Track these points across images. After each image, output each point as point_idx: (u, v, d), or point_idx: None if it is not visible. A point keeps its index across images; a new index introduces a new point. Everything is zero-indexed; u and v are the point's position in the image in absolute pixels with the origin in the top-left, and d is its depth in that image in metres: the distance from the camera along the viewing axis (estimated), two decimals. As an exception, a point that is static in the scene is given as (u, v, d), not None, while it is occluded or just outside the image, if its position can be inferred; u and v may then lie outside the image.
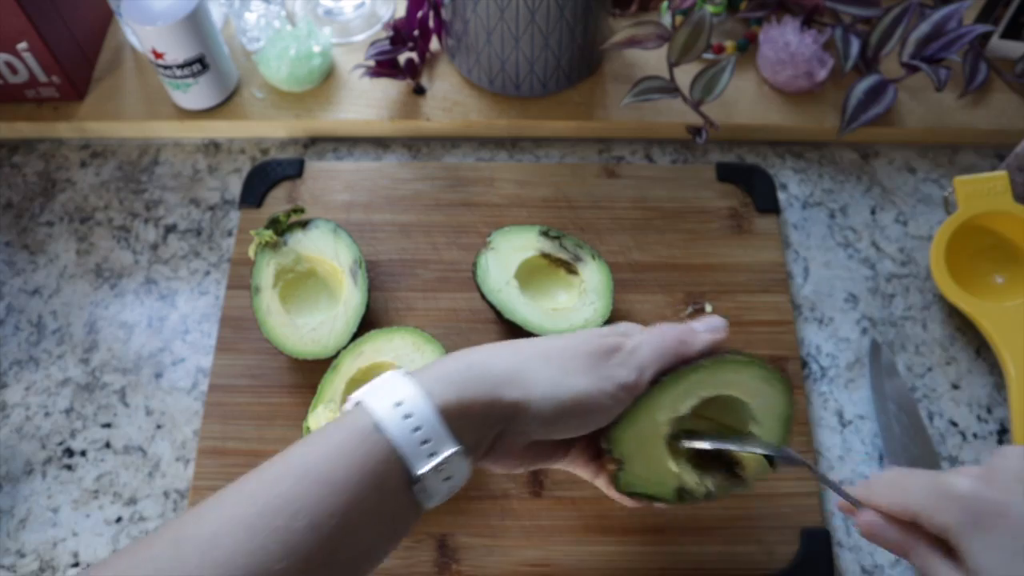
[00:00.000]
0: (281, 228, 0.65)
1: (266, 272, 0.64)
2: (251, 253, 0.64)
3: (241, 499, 0.38)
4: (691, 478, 0.49)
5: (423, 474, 0.40)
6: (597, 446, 0.48)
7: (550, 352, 0.45)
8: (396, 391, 0.41)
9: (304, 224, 0.65)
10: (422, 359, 0.59)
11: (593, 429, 0.46)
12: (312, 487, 0.38)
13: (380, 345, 0.60)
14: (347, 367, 0.59)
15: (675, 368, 0.47)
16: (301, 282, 0.65)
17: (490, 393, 0.42)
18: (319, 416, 0.57)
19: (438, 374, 0.42)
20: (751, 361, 0.48)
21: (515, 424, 0.43)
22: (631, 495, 0.49)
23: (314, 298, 0.65)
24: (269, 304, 0.63)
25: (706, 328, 0.49)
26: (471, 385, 0.42)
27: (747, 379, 0.48)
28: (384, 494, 0.39)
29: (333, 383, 0.59)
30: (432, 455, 0.40)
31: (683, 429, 0.49)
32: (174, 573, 0.35)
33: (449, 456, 0.40)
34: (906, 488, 0.41)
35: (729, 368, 0.48)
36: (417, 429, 0.40)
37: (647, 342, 0.47)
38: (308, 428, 0.57)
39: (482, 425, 0.42)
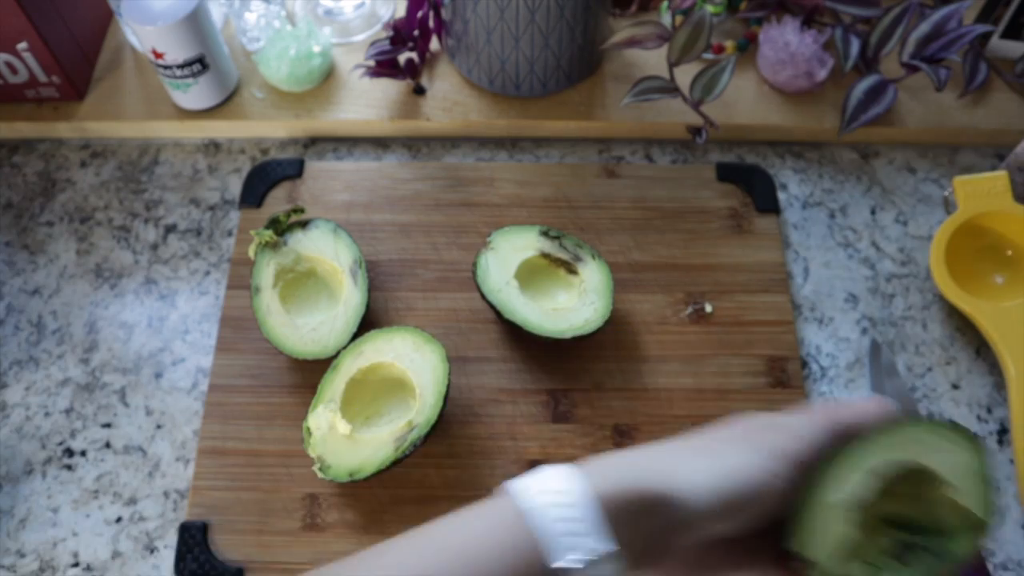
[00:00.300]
0: (281, 228, 0.65)
1: (266, 272, 0.64)
2: (251, 253, 0.64)
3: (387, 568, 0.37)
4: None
5: (570, 570, 0.36)
6: (782, 551, 0.42)
7: (699, 439, 0.42)
8: (550, 477, 0.39)
9: (304, 224, 0.65)
10: (422, 359, 0.59)
11: (761, 513, 0.40)
12: (458, 570, 0.36)
13: (380, 345, 0.60)
14: (347, 367, 0.59)
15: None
16: (301, 282, 0.65)
17: (640, 483, 0.39)
18: (319, 416, 0.57)
19: (592, 466, 0.40)
20: (932, 423, 0.41)
21: (671, 518, 0.39)
22: None
23: (314, 298, 0.65)
24: (269, 304, 0.63)
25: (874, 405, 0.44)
26: (624, 477, 0.39)
27: (928, 441, 0.40)
28: None
29: (333, 383, 0.59)
30: (580, 548, 0.36)
31: (885, 517, 0.42)
32: None
33: (599, 552, 0.37)
34: None
35: (905, 434, 0.41)
36: (566, 518, 0.37)
37: (803, 414, 0.43)
38: (308, 428, 0.57)
39: (636, 520, 0.38)
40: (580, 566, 0.36)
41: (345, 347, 0.61)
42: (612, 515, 0.37)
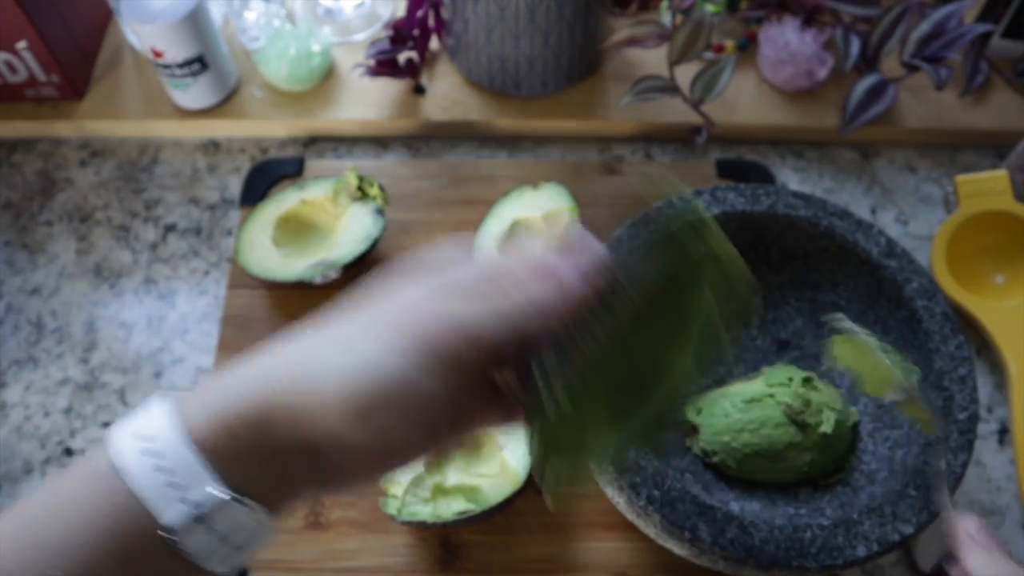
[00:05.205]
0: None
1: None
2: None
3: None
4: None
5: (181, 527, 0.30)
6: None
7: (343, 325, 0.33)
8: (140, 418, 0.31)
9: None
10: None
11: (420, 421, 0.32)
12: (61, 536, 0.30)
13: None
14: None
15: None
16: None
17: (248, 404, 0.31)
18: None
19: (198, 392, 0.32)
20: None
21: (300, 437, 0.31)
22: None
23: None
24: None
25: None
26: (225, 401, 0.31)
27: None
28: (137, 551, 0.30)
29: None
30: (186, 502, 0.30)
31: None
32: None
33: (211, 502, 0.30)
34: None
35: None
36: (162, 467, 0.30)
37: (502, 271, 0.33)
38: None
39: (255, 451, 0.31)
40: (192, 522, 0.30)
41: None
42: (218, 453, 0.30)
